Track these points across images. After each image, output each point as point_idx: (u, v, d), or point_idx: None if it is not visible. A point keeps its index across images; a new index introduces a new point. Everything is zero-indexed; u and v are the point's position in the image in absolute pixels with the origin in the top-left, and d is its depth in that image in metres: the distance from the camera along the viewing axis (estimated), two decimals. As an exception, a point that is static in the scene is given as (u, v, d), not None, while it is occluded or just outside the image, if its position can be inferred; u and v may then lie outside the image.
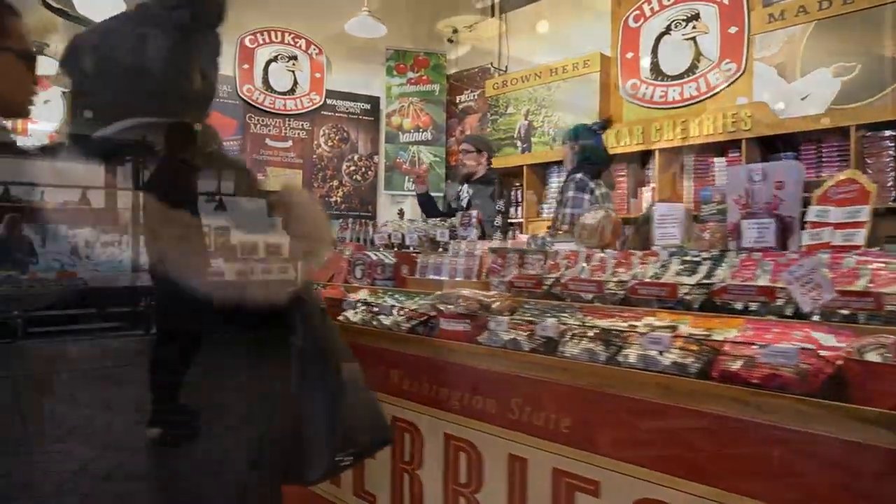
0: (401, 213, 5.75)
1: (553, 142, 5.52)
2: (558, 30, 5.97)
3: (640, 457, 1.38)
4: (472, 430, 1.73)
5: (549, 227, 5.36)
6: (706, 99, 4.59)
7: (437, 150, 6.88)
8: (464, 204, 4.59)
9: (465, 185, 4.63)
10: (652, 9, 4.96)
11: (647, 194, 4.88)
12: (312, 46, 6.66)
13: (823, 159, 4.05)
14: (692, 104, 4.65)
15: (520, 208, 5.82)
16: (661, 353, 1.37)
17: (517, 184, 5.90)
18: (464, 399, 1.77)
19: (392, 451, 1.96)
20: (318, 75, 6.71)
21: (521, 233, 5.50)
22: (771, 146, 4.33)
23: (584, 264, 2.08)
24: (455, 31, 6.79)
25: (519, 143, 5.80)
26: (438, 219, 3.22)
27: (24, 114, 1.02)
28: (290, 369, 0.92)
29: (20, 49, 0.99)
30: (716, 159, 4.52)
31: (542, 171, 5.77)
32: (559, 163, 5.48)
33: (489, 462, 1.68)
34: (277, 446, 0.95)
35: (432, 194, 4.79)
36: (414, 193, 4.98)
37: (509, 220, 5.68)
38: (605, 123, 3.67)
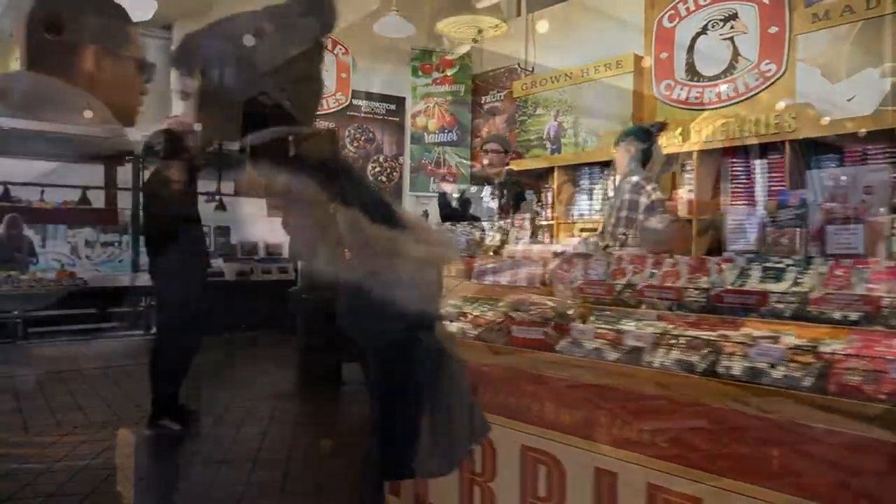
0: (425, 215, 5.71)
1: (585, 143, 5.45)
2: (587, 31, 5.90)
3: (746, 472, 1.32)
4: (552, 441, 1.68)
5: (582, 230, 5.31)
6: (744, 100, 4.51)
7: (462, 151, 6.83)
8: (493, 206, 4.54)
9: (488, 187, 4.58)
10: (688, 8, 4.89)
11: (683, 196, 4.80)
12: (339, 46, 6.62)
13: (869, 162, 3.96)
14: (729, 105, 4.58)
15: (550, 210, 5.75)
16: (771, 365, 1.31)
17: (545, 186, 5.83)
18: (543, 410, 1.71)
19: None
20: (343, 75, 6.67)
21: (555, 235, 5.44)
22: (814, 148, 4.24)
23: (654, 270, 2.03)
24: (479, 31, 6.73)
25: (548, 145, 5.73)
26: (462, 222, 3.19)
27: (134, 123, 0.98)
28: (433, 366, 0.89)
29: (139, 58, 0.96)
30: (756, 161, 4.44)
31: (572, 172, 5.70)
32: (590, 164, 5.42)
33: (572, 475, 1.63)
34: (402, 445, 0.92)
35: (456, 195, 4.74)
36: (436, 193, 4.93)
37: (541, 222, 5.63)
38: (662, 126, 3.60)
